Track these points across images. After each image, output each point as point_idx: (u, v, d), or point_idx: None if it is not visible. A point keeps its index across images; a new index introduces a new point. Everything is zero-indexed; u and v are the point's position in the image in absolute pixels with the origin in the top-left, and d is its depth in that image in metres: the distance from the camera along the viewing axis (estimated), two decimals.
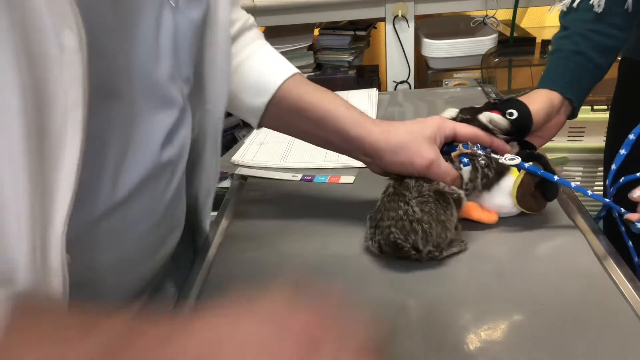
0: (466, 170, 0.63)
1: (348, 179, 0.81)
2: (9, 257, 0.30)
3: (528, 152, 0.66)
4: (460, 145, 0.64)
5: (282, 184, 0.82)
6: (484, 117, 0.66)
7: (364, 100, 1.08)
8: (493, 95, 1.08)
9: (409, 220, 0.58)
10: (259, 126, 0.68)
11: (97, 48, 0.32)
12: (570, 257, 0.60)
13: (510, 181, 0.64)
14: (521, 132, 0.68)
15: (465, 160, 0.63)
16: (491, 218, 0.66)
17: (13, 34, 0.27)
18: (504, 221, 0.66)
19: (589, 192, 0.63)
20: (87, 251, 0.43)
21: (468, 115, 0.67)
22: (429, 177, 0.61)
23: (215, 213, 0.77)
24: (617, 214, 0.62)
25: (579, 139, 1.49)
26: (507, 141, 0.67)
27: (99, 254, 0.36)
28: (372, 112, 1.03)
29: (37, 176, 0.29)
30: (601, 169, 1.47)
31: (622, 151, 0.64)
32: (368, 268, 0.61)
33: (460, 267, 0.60)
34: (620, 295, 0.54)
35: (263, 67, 0.67)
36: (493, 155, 0.64)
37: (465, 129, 0.64)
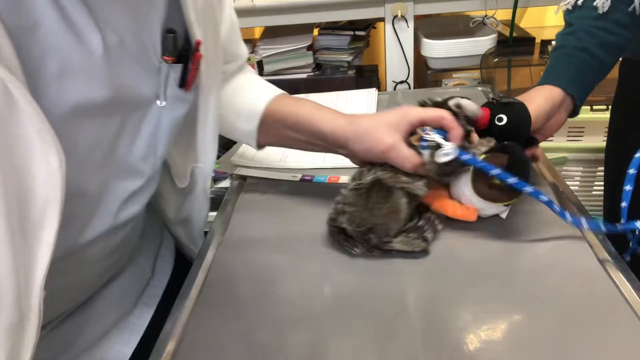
0: (426, 154, 0.63)
1: (348, 179, 0.81)
2: None
3: (502, 144, 0.64)
4: (419, 129, 0.64)
5: (282, 183, 0.82)
6: (453, 101, 0.65)
7: (364, 100, 1.08)
8: (492, 95, 1.08)
9: (343, 203, 0.63)
10: (259, 147, 0.76)
11: (76, 161, 0.42)
12: (570, 257, 0.60)
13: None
14: (514, 137, 0.66)
15: (424, 144, 0.63)
16: (468, 215, 0.64)
17: (5, 163, 0.36)
18: (504, 221, 0.66)
19: (557, 208, 0.60)
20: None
21: (440, 100, 0.67)
22: (390, 163, 0.63)
23: (215, 213, 0.77)
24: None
25: (579, 139, 1.49)
26: (478, 134, 0.66)
27: (53, 280, 0.42)
28: (372, 112, 1.03)
29: (20, 251, 0.38)
30: (601, 168, 1.47)
31: (628, 187, 0.61)
32: (368, 267, 0.61)
33: (459, 267, 0.60)
34: (620, 296, 0.54)
35: (251, 96, 0.75)
36: (443, 142, 0.62)
37: (430, 113, 0.64)
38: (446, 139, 0.62)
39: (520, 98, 0.69)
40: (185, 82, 0.57)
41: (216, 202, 0.77)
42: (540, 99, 0.69)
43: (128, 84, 0.51)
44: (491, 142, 0.66)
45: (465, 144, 0.64)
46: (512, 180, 0.59)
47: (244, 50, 0.79)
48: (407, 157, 0.62)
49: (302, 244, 0.67)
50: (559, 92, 0.70)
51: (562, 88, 0.70)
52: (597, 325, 0.51)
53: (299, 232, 0.68)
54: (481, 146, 0.65)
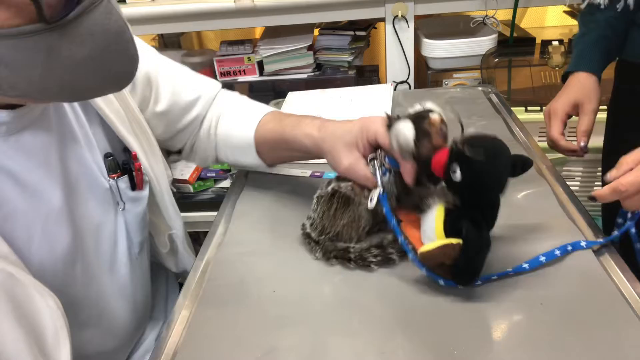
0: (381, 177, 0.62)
1: None
2: None
3: (461, 226, 0.53)
4: (378, 152, 0.63)
5: (282, 184, 0.81)
6: (393, 132, 0.58)
7: (379, 94, 1.07)
8: (494, 97, 1.07)
9: (311, 210, 0.66)
10: (269, 166, 0.80)
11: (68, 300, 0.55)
12: (570, 257, 0.60)
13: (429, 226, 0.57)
14: (472, 193, 0.53)
15: (378, 169, 0.62)
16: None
17: (18, 312, 0.49)
18: (503, 221, 0.66)
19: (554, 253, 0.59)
20: None
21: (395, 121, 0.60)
22: (351, 179, 0.63)
23: (215, 213, 0.77)
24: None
25: None
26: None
27: None
28: (387, 109, 1.01)
29: None
30: (601, 169, 1.47)
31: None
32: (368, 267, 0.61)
33: None
34: (620, 295, 0.54)
35: (239, 129, 0.77)
36: (378, 181, 0.61)
37: (382, 138, 0.61)
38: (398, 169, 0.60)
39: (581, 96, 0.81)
40: (135, 185, 0.66)
41: (216, 202, 0.77)
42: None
43: (89, 210, 0.61)
44: (448, 198, 0.56)
45: (417, 188, 0.60)
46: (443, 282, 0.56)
47: (203, 88, 0.78)
48: (365, 177, 0.62)
49: (302, 243, 0.67)
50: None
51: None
52: (597, 325, 0.51)
53: (299, 231, 0.68)
54: (431, 199, 0.58)
